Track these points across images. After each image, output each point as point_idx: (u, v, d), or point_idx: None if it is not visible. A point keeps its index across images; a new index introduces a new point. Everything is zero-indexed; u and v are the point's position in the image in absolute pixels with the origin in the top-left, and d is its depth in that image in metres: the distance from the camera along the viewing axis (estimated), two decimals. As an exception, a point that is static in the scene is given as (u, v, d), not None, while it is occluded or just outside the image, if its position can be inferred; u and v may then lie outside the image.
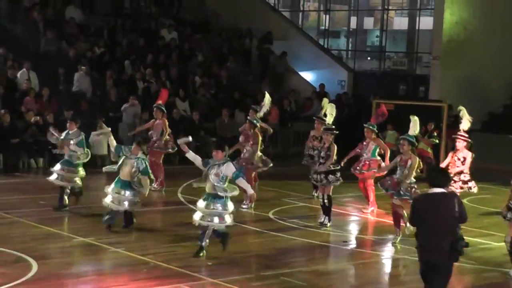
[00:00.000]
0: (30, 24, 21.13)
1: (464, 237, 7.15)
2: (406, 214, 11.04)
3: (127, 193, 11.02)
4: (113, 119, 19.17)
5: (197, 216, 9.99)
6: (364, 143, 13.47)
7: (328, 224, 12.11)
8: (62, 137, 12.66)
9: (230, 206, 9.98)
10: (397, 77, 23.70)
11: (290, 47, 24.87)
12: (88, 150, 12.79)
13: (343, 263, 10.43)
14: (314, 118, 14.60)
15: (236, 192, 9.92)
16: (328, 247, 11.35)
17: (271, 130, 14.94)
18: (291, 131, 21.64)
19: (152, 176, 11.53)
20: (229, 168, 9.74)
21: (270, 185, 15.66)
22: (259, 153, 13.35)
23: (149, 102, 17.62)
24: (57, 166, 12.51)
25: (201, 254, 9.89)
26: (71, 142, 12.51)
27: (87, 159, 12.70)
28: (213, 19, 25.51)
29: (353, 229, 12.77)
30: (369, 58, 27.81)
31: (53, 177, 12.45)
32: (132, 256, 9.94)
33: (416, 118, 11.47)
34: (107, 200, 11.10)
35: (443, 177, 7.22)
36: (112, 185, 11.15)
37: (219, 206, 9.83)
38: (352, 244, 11.56)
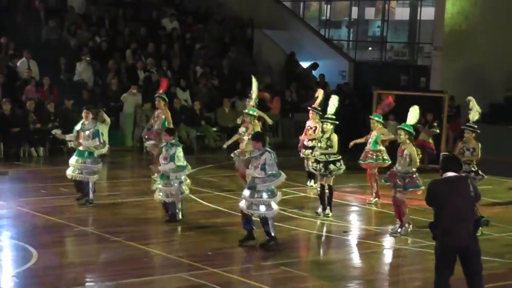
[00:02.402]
0: (31, 13, 21.06)
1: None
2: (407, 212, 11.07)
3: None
4: (114, 108, 19.12)
5: (243, 203, 9.95)
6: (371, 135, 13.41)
7: (330, 214, 12.07)
8: (77, 128, 12.28)
9: (277, 192, 9.98)
10: (398, 68, 23.63)
11: (291, 37, 24.79)
12: (105, 140, 12.43)
13: (343, 253, 10.38)
14: (308, 108, 14.55)
15: (279, 179, 9.83)
16: (328, 237, 11.31)
17: (270, 121, 14.84)
18: (292, 121, 21.57)
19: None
20: (262, 158, 9.79)
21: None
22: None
23: (150, 92, 17.57)
24: (73, 159, 12.16)
25: (253, 242, 9.89)
26: (86, 133, 12.07)
27: (106, 150, 12.40)
28: (214, 8, 25.42)
29: (354, 219, 12.73)
30: (370, 49, 27.74)
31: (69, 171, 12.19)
32: (132, 245, 9.91)
33: (416, 107, 11.41)
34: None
35: (455, 163, 7.38)
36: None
37: (264, 194, 9.81)
38: (353, 234, 11.52)
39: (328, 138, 12.03)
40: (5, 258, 9.11)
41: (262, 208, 9.84)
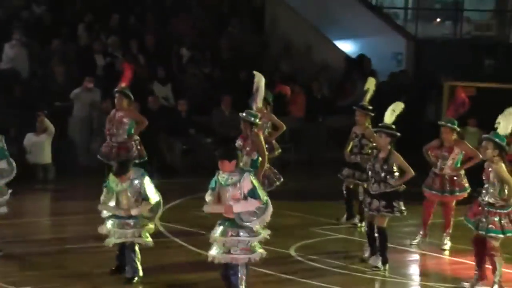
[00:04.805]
0: None
1: None
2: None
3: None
4: (60, 110, 19.18)
5: (214, 251, 10.08)
6: (444, 149, 13.41)
7: (382, 267, 12.09)
8: None
9: (260, 229, 10.07)
10: (481, 48, 23.62)
11: (322, 5, 24.87)
12: (12, 163, 12.34)
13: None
14: (354, 108, 14.64)
15: (270, 209, 10.00)
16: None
17: (284, 127, 14.95)
18: (322, 127, 21.59)
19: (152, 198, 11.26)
20: (246, 183, 9.92)
21: (291, 207, 15.60)
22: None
23: (113, 86, 17.65)
24: None
25: None
26: None
27: (12, 176, 12.33)
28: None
29: (414, 273, 12.74)
30: (438, 20, 27.75)
31: None
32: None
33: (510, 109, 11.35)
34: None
35: None
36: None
37: (242, 232, 9.94)
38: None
39: (386, 160, 12.01)
40: None
41: (236, 251, 9.93)
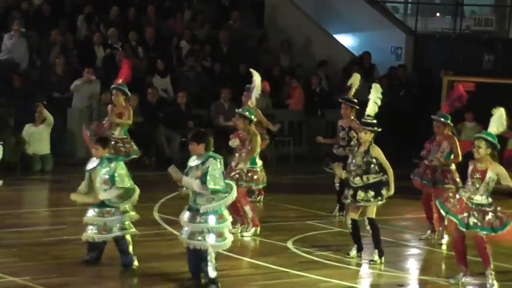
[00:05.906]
0: None
1: None
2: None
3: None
4: (59, 102, 19.19)
5: (185, 235, 10.16)
6: (435, 143, 13.43)
7: (379, 260, 12.12)
8: None
9: (227, 215, 10.20)
10: (481, 43, 23.62)
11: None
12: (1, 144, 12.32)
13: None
14: (340, 100, 14.70)
15: (231, 196, 10.07)
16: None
17: (274, 128, 15.05)
18: (322, 122, 21.59)
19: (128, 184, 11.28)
20: (206, 167, 10.04)
21: (290, 200, 15.61)
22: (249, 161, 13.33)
23: (112, 77, 17.70)
24: None
25: None
26: None
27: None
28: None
29: (413, 267, 12.78)
30: (438, 15, 27.76)
31: None
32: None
33: (501, 110, 11.28)
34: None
35: None
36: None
37: (210, 218, 10.01)
38: (411, 289, 11.58)
39: (366, 152, 12.01)
40: None
41: (211, 238, 10.01)
